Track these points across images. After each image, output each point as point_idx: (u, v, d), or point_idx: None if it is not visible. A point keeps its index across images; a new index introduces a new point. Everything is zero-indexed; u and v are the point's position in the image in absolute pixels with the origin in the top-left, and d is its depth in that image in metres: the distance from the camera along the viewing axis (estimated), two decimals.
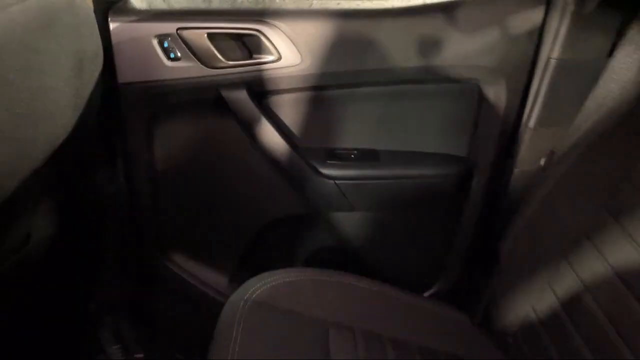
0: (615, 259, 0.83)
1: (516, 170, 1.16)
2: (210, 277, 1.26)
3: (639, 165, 0.86)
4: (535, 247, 1.01)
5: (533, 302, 0.98)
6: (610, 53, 1.01)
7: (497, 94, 1.11)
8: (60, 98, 0.73)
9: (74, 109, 0.79)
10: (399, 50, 1.05)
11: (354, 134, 1.15)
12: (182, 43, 1.01)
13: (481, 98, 1.13)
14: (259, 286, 1.04)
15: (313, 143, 1.14)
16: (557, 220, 0.99)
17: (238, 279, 1.17)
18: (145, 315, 1.33)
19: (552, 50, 1.04)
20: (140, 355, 1.41)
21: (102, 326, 1.33)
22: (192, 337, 1.31)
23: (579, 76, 1.04)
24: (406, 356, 0.99)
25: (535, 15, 1.04)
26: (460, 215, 1.20)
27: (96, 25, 0.86)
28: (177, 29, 1.00)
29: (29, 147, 0.66)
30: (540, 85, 1.07)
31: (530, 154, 1.13)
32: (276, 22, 1.02)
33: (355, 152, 1.16)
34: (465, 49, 1.05)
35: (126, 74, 1.02)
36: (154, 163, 1.13)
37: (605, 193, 0.90)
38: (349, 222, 1.20)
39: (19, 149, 0.63)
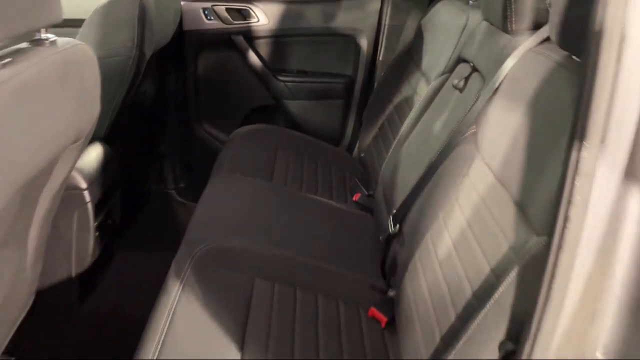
0: (395, 106, 1.88)
1: (376, 83, 2.22)
2: (222, 136, 2.30)
3: (409, 73, 1.90)
4: (376, 109, 2.06)
5: (373, 133, 2.02)
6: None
7: (363, 43, 2.18)
8: (172, 19, 1.79)
9: (174, 28, 1.85)
10: (315, 19, 2.12)
11: (294, 60, 2.21)
12: (213, 12, 2.07)
13: (356, 46, 2.19)
14: (245, 129, 2.08)
15: (274, 64, 2.20)
16: (386, 94, 2.04)
17: None
18: (186, 159, 2.36)
19: (386, 19, 2.11)
20: (183, 185, 2.45)
21: (165, 164, 2.36)
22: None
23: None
24: (313, 163, 2.02)
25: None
26: (349, 103, 2.26)
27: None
28: (212, 5, 2.06)
29: (166, 30, 1.71)
30: (382, 38, 2.14)
31: (379, 74, 2.19)
32: (257, 3, 2.08)
33: (295, 70, 2.22)
34: (346, 19, 2.12)
35: (186, 25, 2.08)
36: (197, 72, 2.18)
37: (401, 86, 1.95)
38: (292, 106, 2.25)
39: (164, 29, 1.68)
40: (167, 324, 1.07)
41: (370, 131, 2.04)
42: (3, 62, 0.78)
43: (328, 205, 1.69)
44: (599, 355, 0.59)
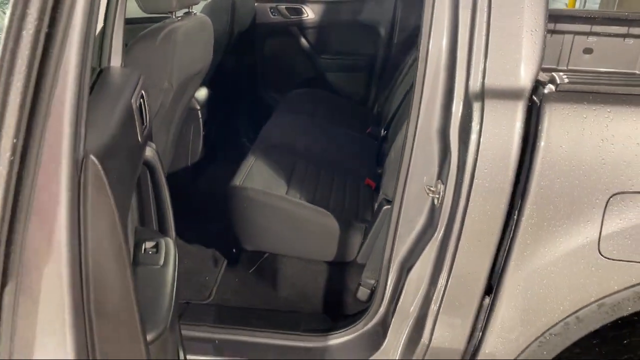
0: (400, 72, 2.61)
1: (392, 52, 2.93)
2: (280, 99, 3.08)
3: (410, 49, 2.62)
4: (388, 77, 2.77)
5: (385, 93, 2.74)
6: None
7: (382, 31, 2.90)
8: (249, 13, 2.58)
9: (249, 20, 2.64)
10: (347, 14, 2.87)
11: (332, 44, 2.97)
12: (277, 10, 2.86)
13: (377, 33, 2.92)
14: (296, 91, 2.84)
15: (318, 47, 2.96)
16: (396, 66, 2.76)
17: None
18: (254, 115, 3.14)
19: (398, 13, 2.82)
20: (251, 134, 3.24)
21: (238, 119, 3.15)
22: None
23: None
24: (342, 113, 2.75)
25: None
26: (372, 75, 2.99)
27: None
28: (276, 5, 2.85)
29: (245, 20, 2.51)
30: (396, 27, 2.86)
31: (394, 52, 2.90)
32: (307, 3, 2.86)
33: (333, 51, 2.97)
34: (369, 13, 2.86)
35: (258, 19, 2.88)
36: (264, 52, 2.97)
37: (405, 59, 2.67)
38: (331, 77, 3.00)
39: (244, 19, 2.48)
40: (247, 172, 1.83)
41: (384, 92, 2.76)
42: (178, 18, 1.58)
43: (349, 132, 2.43)
44: None
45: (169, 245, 0.92)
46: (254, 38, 2.92)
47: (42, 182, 0.55)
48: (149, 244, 0.91)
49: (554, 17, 2.53)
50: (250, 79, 3.04)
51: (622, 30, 2.54)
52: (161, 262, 0.88)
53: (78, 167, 0.57)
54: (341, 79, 3.02)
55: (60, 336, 0.55)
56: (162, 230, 1.01)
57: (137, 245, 0.91)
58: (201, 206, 2.23)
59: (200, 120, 2.17)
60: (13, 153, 0.50)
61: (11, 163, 0.50)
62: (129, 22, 1.33)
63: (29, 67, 0.51)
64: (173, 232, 1.01)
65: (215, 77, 2.41)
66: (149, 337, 0.73)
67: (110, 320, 0.64)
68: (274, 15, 2.89)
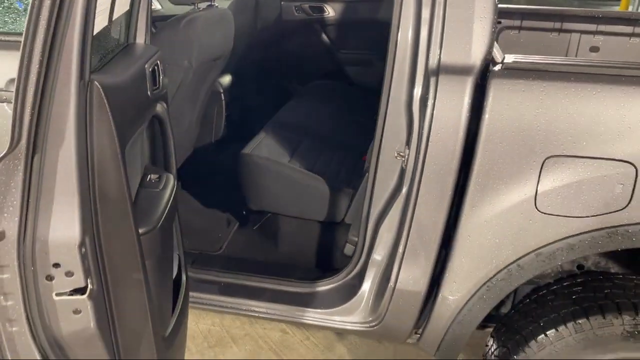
0: None
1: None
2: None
3: None
4: None
5: None
6: None
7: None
8: (274, 11, 2.84)
9: (274, 17, 2.90)
10: (366, 12, 3.07)
11: (351, 40, 3.18)
12: (300, 8, 3.10)
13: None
14: (316, 82, 3.07)
15: (338, 42, 3.18)
16: None
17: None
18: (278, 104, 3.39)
19: None
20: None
21: (262, 104, 3.41)
22: None
23: None
24: (359, 103, 2.96)
25: None
26: None
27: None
28: (300, 4, 3.09)
29: (270, 17, 2.76)
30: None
31: None
32: (328, 2, 3.09)
33: (351, 46, 3.18)
34: (387, 11, 3.05)
35: (283, 17, 3.12)
36: (288, 47, 3.21)
37: None
38: (349, 70, 3.21)
39: (268, 16, 2.74)
40: (257, 144, 2.08)
41: None
42: (200, 9, 1.84)
43: (356, 118, 2.64)
44: None
45: (169, 177, 1.17)
46: (279, 33, 3.18)
47: (59, 90, 0.80)
48: (154, 176, 1.16)
49: (560, 16, 2.67)
50: (274, 69, 3.29)
51: (628, 29, 2.64)
52: (161, 187, 1.13)
53: (85, 86, 0.82)
54: (359, 73, 3.23)
55: (71, 207, 0.80)
56: (167, 169, 1.26)
57: (145, 176, 1.16)
58: (221, 177, 2.49)
59: (223, 102, 2.44)
60: (40, 66, 0.76)
61: (39, 73, 0.76)
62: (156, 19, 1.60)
63: (51, 10, 0.75)
64: (174, 170, 1.25)
65: (240, 66, 2.67)
66: (141, 230, 0.98)
67: (109, 205, 0.88)
68: (298, 12, 3.14)
